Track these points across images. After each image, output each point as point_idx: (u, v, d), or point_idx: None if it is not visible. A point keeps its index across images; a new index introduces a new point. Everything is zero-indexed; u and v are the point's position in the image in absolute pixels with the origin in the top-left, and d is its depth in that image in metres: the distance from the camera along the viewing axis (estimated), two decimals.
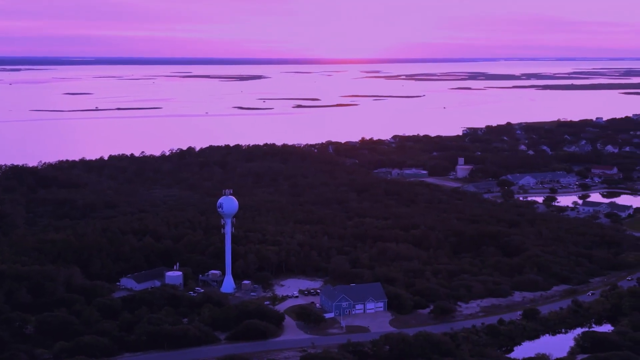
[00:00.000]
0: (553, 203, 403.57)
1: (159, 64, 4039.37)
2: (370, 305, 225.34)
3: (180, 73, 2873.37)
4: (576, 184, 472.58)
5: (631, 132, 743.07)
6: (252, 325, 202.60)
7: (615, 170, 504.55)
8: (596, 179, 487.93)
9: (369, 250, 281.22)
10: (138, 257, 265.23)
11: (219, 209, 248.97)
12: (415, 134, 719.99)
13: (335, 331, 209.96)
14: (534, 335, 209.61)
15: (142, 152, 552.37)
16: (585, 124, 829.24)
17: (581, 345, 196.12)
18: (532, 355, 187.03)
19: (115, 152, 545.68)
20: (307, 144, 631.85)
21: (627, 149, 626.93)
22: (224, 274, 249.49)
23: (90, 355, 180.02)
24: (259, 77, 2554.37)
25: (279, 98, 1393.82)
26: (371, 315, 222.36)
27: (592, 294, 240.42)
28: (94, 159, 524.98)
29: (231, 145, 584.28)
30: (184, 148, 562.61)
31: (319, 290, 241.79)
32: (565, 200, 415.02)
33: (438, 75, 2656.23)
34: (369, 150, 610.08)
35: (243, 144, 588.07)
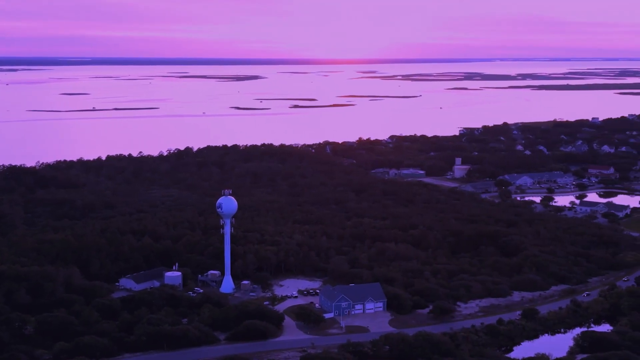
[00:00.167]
0: (550, 203, 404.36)
1: (155, 64, 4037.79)
2: (369, 306, 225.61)
3: (177, 73, 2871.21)
4: (573, 184, 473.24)
5: (627, 132, 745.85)
6: (252, 326, 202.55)
7: (612, 170, 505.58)
8: (593, 179, 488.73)
9: (367, 250, 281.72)
10: (137, 258, 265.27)
11: (218, 209, 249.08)
12: (412, 134, 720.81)
13: (334, 331, 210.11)
14: (533, 335, 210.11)
15: (140, 152, 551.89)
16: (581, 124, 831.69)
17: (580, 345, 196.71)
18: (532, 355, 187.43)
19: (113, 153, 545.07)
20: (304, 144, 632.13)
21: (624, 148, 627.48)
22: (223, 274, 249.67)
23: (90, 356, 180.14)
24: (256, 77, 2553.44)
25: (276, 98, 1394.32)
26: (370, 316, 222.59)
27: (588, 294, 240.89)
28: (91, 159, 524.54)
29: (229, 145, 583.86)
30: (182, 148, 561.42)
31: (318, 291, 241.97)
32: (562, 200, 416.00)
33: (434, 76, 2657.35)
34: (366, 151, 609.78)
35: (240, 144, 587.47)
